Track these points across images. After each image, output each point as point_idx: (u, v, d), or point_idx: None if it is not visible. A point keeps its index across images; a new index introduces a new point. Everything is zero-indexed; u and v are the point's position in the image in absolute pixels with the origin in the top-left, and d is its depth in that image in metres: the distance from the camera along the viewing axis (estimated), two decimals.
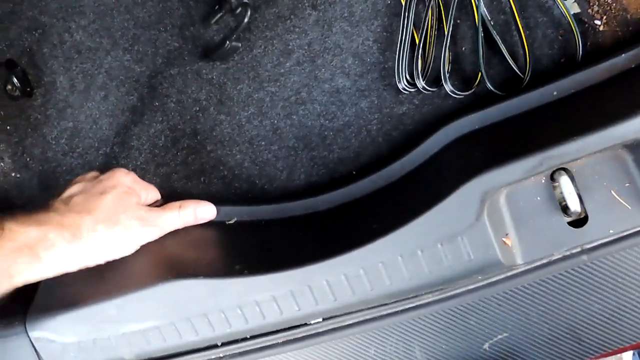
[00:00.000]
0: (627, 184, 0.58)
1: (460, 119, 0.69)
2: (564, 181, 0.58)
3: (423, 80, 0.75)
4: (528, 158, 0.56)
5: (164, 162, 0.84)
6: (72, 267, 0.64)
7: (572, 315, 0.65)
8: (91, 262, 0.65)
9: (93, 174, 0.71)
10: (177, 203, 0.70)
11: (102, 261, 0.65)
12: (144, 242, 0.67)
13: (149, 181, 0.82)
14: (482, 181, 0.57)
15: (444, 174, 0.65)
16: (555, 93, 0.66)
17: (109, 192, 0.66)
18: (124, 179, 0.69)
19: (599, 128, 0.55)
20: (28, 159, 0.87)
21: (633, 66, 0.65)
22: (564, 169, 0.59)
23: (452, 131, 0.70)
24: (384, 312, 0.64)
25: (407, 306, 0.63)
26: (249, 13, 0.76)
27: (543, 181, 0.60)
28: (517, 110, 0.67)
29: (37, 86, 0.87)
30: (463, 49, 0.78)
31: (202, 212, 0.71)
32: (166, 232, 0.69)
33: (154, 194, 0.73)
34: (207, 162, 0.83)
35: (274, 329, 0.64)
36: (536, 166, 0.56)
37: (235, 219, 0.75)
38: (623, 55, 0.65)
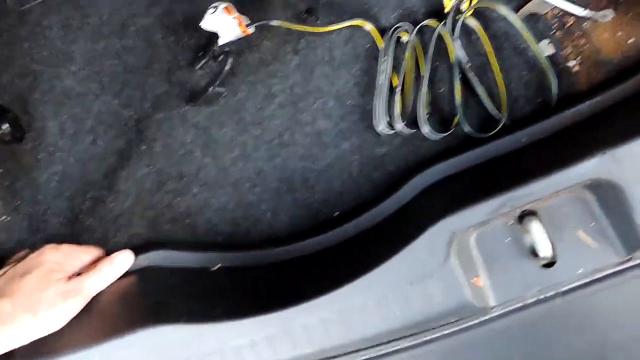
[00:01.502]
0: (592, 224, 0.59)
1: (435, 166, 0.71)
2: (534, 226, 0.58)
3: (403, 123, 0.76)
4: (491, 199, 0.58)
5: (151, 205, 0.85)
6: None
7: (550, 357, 0.65)
8: (18, 344, 0.66)
9: (23, 253, 0.74)
10: (94, 265, 0.72)
11: (29, 341, 0.66)
12: (72, 314, 0.68)
13: (136, 224, 0.84)
14: (447, 223, 0.58)
15: (415, 217, 0.66)
16: (523, 140, 0.68)
17: (32, 271, 0.68)
18: (50, 256, 0.71)
19: (557, 170, 0.56)
20: (18, 202, 0.88)
21: (598, 111, 0.66)
22: (532, 212, 0.59)
23: (428, 178, 0.71)
24: (360, 359, 0.64)
25: (382, 352, 0.63)
26: (230, 60, 0.78)
27: (511, 224, 0.61)
28: (489, 156, 0.69)
29: (28, 131, 0.89)
30: (441, 90, 0.79)
31: (119, 260, 0.73)
32: (92, 296, 0.70)
33: (89, 257, 0.75)
34: (193, 204, 0.84)
35: None
36: (499, 207, 0.58)
37: (219, 265, 0.76)
38: (587, 102, 0.67)
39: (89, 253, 0.75)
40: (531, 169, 0.59)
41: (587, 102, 0.67)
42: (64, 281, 0.69)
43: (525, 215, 0.60)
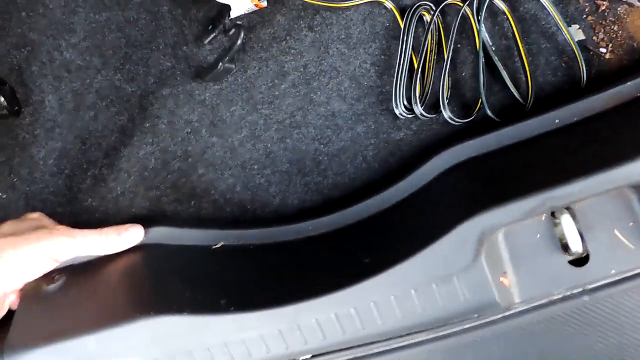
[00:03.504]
0: (631, 224, 0.56)
1: (458, 145, 0.67)
2: (566, 220, 0.55)
3: (421, 106, 0.73)
4: (529, 198, 0.54)
5: (154, 185, 0.81)
6: None
7: (572, 357, 0.62)
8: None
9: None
10: (100, 229, 0.69)
11: (20, 283, 0.64)
12: (57, 254, 0.65)
13: (138, 205, 0.80)
14: (479, 221, 0.54)
15: (439, 206, 0.62)
16: (557, 121, 0.63)
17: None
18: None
19: (604, 168, 0.52)
20: (15, 179, 0.84)
21: (638, 95, 0.62)
22: (566, 207, 0.56)
23: (449, 157, 0.67)
24: (375, 350, 0.61)
25: (399, 344, 0.60)
26: (242, 35, 0.74)
27: (543, 218, 0.57)
28: (516, 138, 0.64)
29: (25, 105, 0.85)
30: (463, 74, 0.75)
31: (128, 233, 0.69)
32: (87, 251, 0.66)
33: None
34: (198, 185, 0.81)
35: None
36: (538, 207, 0.54)
37: (222, 243, 0.72)
38: (629, 83, 0.62)
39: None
40: (571, 163, 0.55)
41: (629, 84, 0.62)
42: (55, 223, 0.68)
43: (557, 213, 0.57)
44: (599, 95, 0.63)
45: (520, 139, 0.64)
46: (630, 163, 0.51)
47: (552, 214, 0.57)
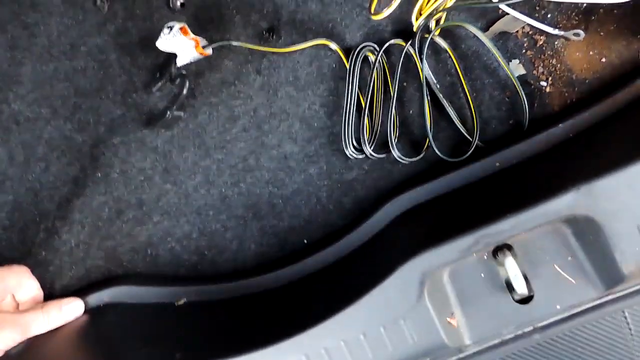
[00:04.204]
0: (569, 258, 0.57)
1: (407, 193, 0.68)
2: (509, 262, 0.56)
3: (370, 147, 0.74)
4: (464, 237, 0.55)
5: (109, 235, 0.80)
6: None
7: None
8: None
9: None
10: (41, 305, 0.68)
11: None
12: (4, 347, 0.64)
13: (93, 256, 0.80)
14: (419, 262, 0.56)
15: (387, 252, 0.63)
16: (497, 164, 0.65)
17: None
18: None
19: (531, 205, 0.54)
20: None
21: (570, 135, 0.64)
22: (507, 245, 0.57)
23: (399, 204, 0.68)
24: None
25: None
26: (187, 84, 0.74)
27: (485, 257, 0.58)
28: (461, 182, 0.66)
29: None
30: (411, 112, 0.76)
31: (69, 308, 0.69)
32: (32, 335, 0.66)
33: (31, 288, 0.71)
34: (154, 233, 0.80)
35: None
36: (472, 245, 0.55)
37: (184, 300, 0.72)
38: (560, 125, 0.65)
39: (12, 273, 0.71)
40: (505, 201, 0.56)
41: (561, 125, 0.65)
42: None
43: (499, 249, 0.58)
44: (536, 137, 0.65)
45: (465, 182, 0.65)
46: (555, 199, 0.53)
47: (495, 254, 0.58)
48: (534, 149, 0.65)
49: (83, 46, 0.82)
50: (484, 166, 0.66)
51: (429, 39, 0.73)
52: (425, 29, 0.74)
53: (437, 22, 0.74)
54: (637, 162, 0.53)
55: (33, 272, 0.79)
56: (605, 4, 0.67)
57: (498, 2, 0.68)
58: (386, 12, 0.66)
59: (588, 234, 0.55)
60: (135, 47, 0.82)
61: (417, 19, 0.74)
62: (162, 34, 0.72)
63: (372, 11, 0.68)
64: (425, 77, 0.73)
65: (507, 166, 0.65)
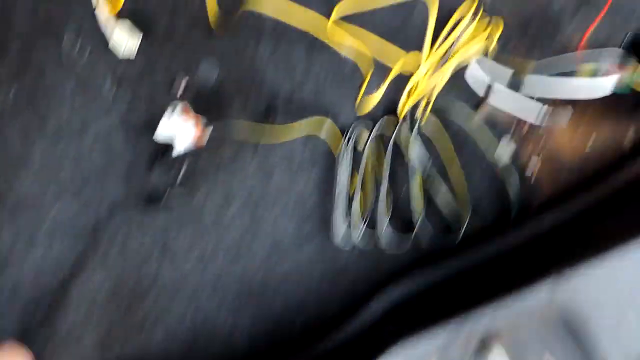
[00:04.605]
0: (558, 346, 0.56)
1: (394, 289, 0.69)
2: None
3: (358, 239, 0.75)
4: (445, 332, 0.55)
5: (106, 314, 0.82)
6: None
7: None
8: None
9: None
10: None
11: None
12: None
13: (91, 333, 0.81)
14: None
15: (377, 346, 0.63)
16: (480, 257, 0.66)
17: None
18: None
19: (515, 296, 0.54)
20: None
21: (557, 225, 0.64)
22: (495, 335, 0.56)
23: (382, 303, 0.69)
24: None
25: None
26: (184, 168, 0.77)
27: (473, 350, 0.58)
28: (445, 276, 0.67)
29: None
30: (401, 195, 0.77)
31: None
32: None
33: None
34: (150, 313, 0.81)
35: None
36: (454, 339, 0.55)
37: None
38: (546, 214, 0.65)
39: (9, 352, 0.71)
40: (487, 299, 0.56)
41: (546, 215, 0.65)
42: None
43: (487, 341, 0.57)
44: (522, 227, 0.66)
45: (447, 277, 0.66)
46: (535, 291, 0.53)
47: (481, 346, 0.57)
48: (517, 242, 0.65)
49: (92, 128, 0.86)
50: (468, 260, 0.66)
51: (416, 127, 0.75)
52: (412, 114, 0.76)
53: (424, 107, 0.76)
54: (618, 254, 0.53)
55: (31, 348, 0.81)
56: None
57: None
58: (368, 107, 0.72)
59: (573, 323, 0.54)
60: (139, 129, 0.86)
61: (403, 108, 0.75)
62: (166, 113, 0.76)
63: (356, 108, 0.72)
64: (413, 165, 0.75)
65: (490, 260, 0.65)
